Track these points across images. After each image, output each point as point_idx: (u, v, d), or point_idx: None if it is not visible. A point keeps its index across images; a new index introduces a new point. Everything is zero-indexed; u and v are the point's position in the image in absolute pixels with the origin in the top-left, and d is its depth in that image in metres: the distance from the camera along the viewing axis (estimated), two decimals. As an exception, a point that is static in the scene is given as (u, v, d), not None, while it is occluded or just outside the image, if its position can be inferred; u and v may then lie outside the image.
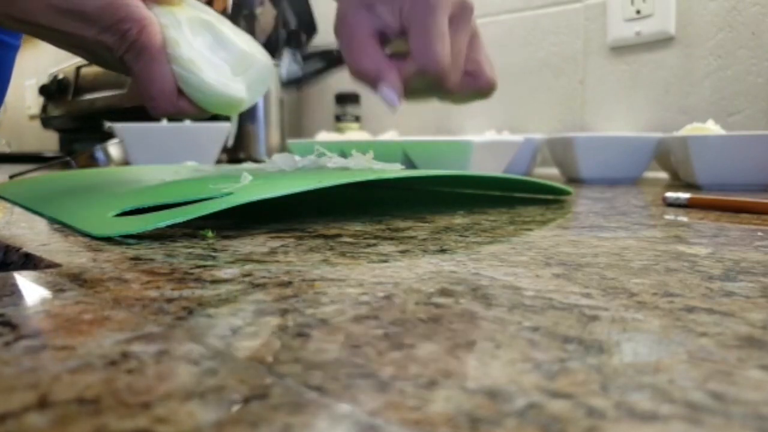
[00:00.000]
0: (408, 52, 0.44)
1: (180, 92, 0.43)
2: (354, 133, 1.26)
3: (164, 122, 0.96)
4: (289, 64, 0.47)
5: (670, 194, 0.51)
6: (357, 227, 0.37)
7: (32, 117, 2.45)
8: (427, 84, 0.45)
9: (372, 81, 0.44)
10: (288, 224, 0.39)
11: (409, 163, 0.67)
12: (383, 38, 0.45)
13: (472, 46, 0.47)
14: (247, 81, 0.45)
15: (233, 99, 0.43)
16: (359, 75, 0.44)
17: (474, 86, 0.48)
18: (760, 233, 0.36)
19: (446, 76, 0.44)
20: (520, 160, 0.86)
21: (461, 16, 0.46)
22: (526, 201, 0.52)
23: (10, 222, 0.41)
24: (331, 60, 0.48)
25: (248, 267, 0.26)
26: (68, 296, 0.21)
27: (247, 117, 1.31)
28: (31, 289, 0.23)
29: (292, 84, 0.46)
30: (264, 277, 0.24)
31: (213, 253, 0.29)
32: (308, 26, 1.42)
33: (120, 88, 1.44)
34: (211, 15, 0.45)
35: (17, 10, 0.39)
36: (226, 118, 0.49)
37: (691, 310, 0.20)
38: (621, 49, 1.02)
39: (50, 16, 0.39)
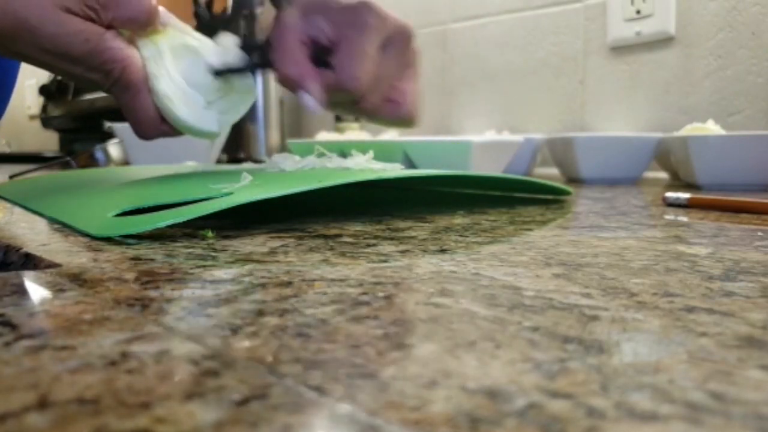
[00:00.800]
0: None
1: (162, 118, 0.46)
2: (354, 133, 1.26)
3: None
4: (223, 44, 0.47)
5: (670, 194, 0.51)
6: (357, 227, 0.37)
7: (32, 117, 2.45)
8: (345, 99, 0.46)
9: (294, 86, 0.45)
10: (288, 224, 0.39)
11: (409, 163, 0.67)
12: (317, 47, 0.46)
13: (404, 75, 0.48)
14: (228, 103, 0.47)
15: (204, 133, 0.46)
16: (283, 79, 0.45)
17: (393, 114, 0.48)
18: (760, 233, 0.36)
19: (363, 96, 0.45)
20: (520, 160, 0.86)
21: (397, 42, 0.46)
22: (526, 201, 0.52)
23: (10, 222, 0.41)
24: (263, 58, 0.48)
25: (248, 267, 0.26)
26: (68, 296, 0.21)
27: (247, 117, 1.31)
28: (31, 289, 0.23)
29: (223, 74, 0.47)
30: (264, 277, 0.24)
31: (213, 253, 0.29)
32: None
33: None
34: (194, 38, 0.47)
35: (17, 49, 0.42)
36: None
37: (691, 310, 0.20)
38: (621, 49, 1.02)
39: (45, 56, 0.42)
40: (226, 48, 0.47)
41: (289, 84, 0.45)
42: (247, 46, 0.48)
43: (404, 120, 0.49)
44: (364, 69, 0.44)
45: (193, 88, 0.45)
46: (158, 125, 0.45)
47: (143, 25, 0.44)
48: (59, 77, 1.75)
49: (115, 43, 0.43)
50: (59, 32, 0.41)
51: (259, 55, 0.47)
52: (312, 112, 0.45)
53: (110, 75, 0.43)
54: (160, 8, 0.45)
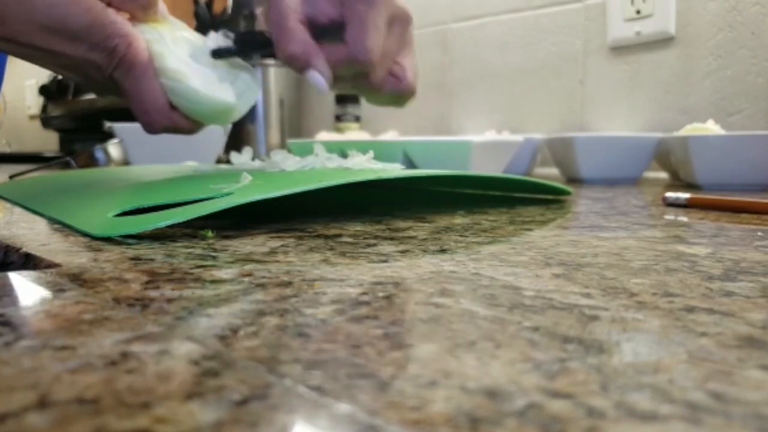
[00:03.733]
0: (337, 43, 0.45)
1: (172, 106, 0.43)
2: (354, 133, 1.26)
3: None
4: (217, 38, 0.47)
5: (670, 194, 0.51)
6: (357, 227, 0.37)
7: (32, 117, 2.45)
8: (353, 74, 0.46)
9: (300, 65, 0.44)
10: (288, 224, 0.39)
11: (409, 163, 0.67)
12: (315, 26, 0.46)
13: (403, 53, 0.49)
14: (234, 91, 0.45)
15: (222, 103, 0.44)
16: (287, 59, 0.44)
17: (396, 88, 0.48)
18: (760, 233, 0.36)
19: (374, 68, 0.45)
20: (520, 160, 0.86)
21: (399, 22, 0.47)
22: (526, 201, 0.52)
23: (10, 222, 0.41)
24: (263, 40, 0.47)
25: (248, 267, 0.26)
26: (68, 296, 0.21)
27: (247, 117, 1.31)
28: (31, 289, 0.23)
29: (222, 54, 0.46)
30: (264, 277, 0.24)
31: (213, 253, 0.29)
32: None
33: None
34: (192, 35, 0.46)
35: (7, 31, 0.39)
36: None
37: (691, 310, 0.20)
38: (621, 49, 1.02)
39: (40, 35, 0.39)
40: (222, 39, 0.47)
41: (295, 63, 0.44)
42: (246, 36, 0.48)
43: (405, 94, 0.49)
44: (376, 41, 0.44)
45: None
46: (168, 113, 0.43)
47: (145, 7, 0.42)
48: (58, 76, 1.75)
49: (118, 18, 0.41)
50: (58, 1, 0.38)
51: (260, 41, 0.47)
52: (320, 90, 0.45)
53: (114, 53, 0.41)
54: (160, 4, 0.45)
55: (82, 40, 0.40)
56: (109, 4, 0.41)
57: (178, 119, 0.44)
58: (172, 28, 0.45)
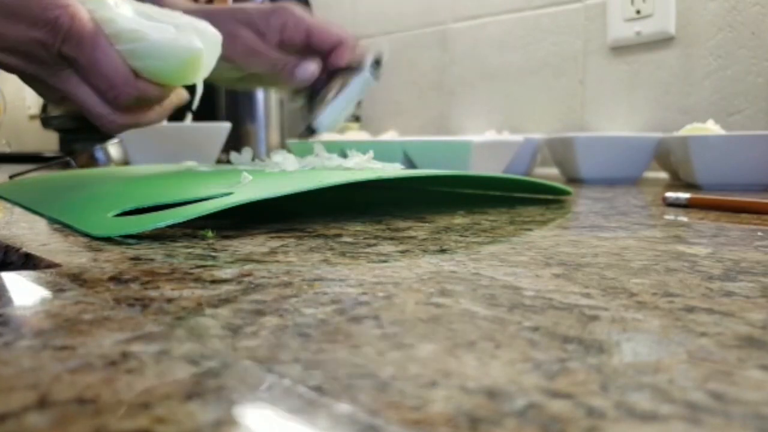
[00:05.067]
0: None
1: (136, 75, 0.40)
2: (354, 133, 1.25)
3: (164, 122, 0.96)
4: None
5: (670, 194, 0.51)
6: (357, 227, 0.37)
7: (32, 117, 2.45)
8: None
9: (288, 68, 0.54)
10: (288, 224, 0.39)
11: (409, 163, 0.67)
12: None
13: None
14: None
15: (188, 50, 0.41)
16: (273, 67, 0.54)
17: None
18: (760, 233, 0.36)
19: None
20: (520, 160, 0.86)
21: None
22: (526, 201, 0.52)
23: (10, 222, 0.41)
24: None
25: (248, 267, 0.26)
26: (68, 296, 0.21)
27: (247, 117, 1.31)
28: (31, 289, 0.23)
29: None
30: (264, 277, 0.24)
31: (213, 253, 0.29)
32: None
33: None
34: (135, 2, 0.43)
35: None
36: (192, 90, 0.47)
37: (691, 310, 0.20)
38: (621, 49, 1.02)
39: None
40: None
41: (283, 67, 0.55)
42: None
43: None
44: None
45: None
46: (133, 81, 0.40)
47: None
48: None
49: None
50: None
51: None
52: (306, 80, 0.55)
53: (58, 25, 0.37)
54: None
55: (20, 16, 0.37)
56: None
57: (145, 86, 0.41)
58: None
